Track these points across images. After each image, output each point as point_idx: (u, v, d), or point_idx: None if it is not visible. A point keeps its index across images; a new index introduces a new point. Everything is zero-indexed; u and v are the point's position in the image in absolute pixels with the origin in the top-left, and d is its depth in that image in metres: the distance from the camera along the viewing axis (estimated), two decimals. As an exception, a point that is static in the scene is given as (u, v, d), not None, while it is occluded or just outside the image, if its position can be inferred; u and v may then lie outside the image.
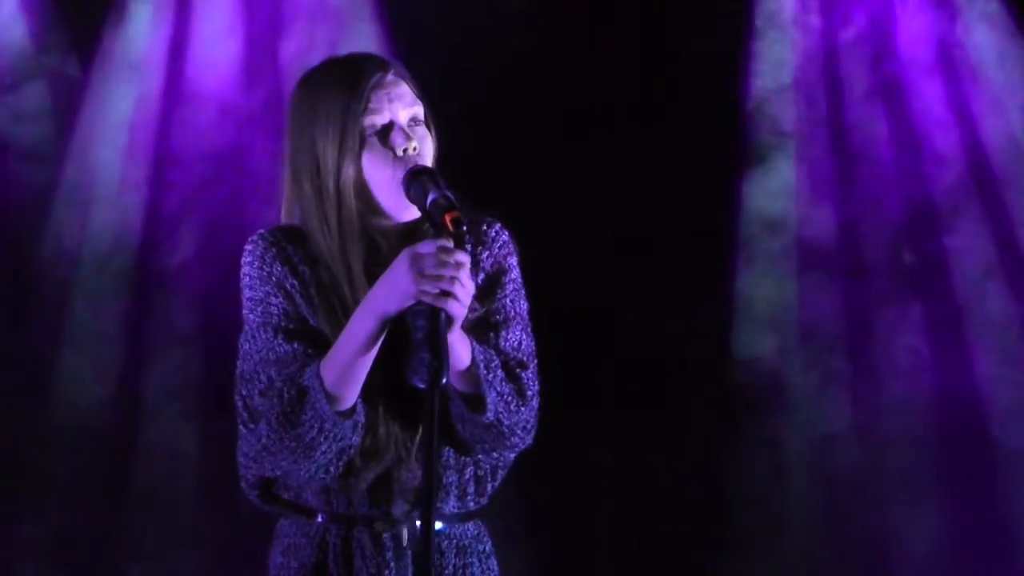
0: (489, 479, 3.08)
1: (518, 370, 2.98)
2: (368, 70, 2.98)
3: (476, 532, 3.10)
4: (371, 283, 2.90)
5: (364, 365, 2.87)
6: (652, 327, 5.52)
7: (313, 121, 2.97)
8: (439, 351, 2.68)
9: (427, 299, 2.75)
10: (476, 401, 2.93)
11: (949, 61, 5.64)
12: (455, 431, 2.97)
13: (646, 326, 5.52)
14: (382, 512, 2.99)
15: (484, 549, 3.11)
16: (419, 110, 3.00)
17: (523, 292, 3.08)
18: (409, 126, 2.97)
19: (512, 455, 3.05)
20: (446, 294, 2.75)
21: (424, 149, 2.97)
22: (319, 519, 3.02)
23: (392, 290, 2.81)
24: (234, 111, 5.57)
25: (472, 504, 3.07)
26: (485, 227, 3.07)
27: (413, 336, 2.73)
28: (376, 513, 3.00)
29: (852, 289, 5.64)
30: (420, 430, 2.94)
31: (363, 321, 2.85)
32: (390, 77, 2.99)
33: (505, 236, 3.09)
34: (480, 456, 3.02)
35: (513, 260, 3.08)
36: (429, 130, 3.01)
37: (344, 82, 2.97)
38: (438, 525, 3.02)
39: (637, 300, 5.52)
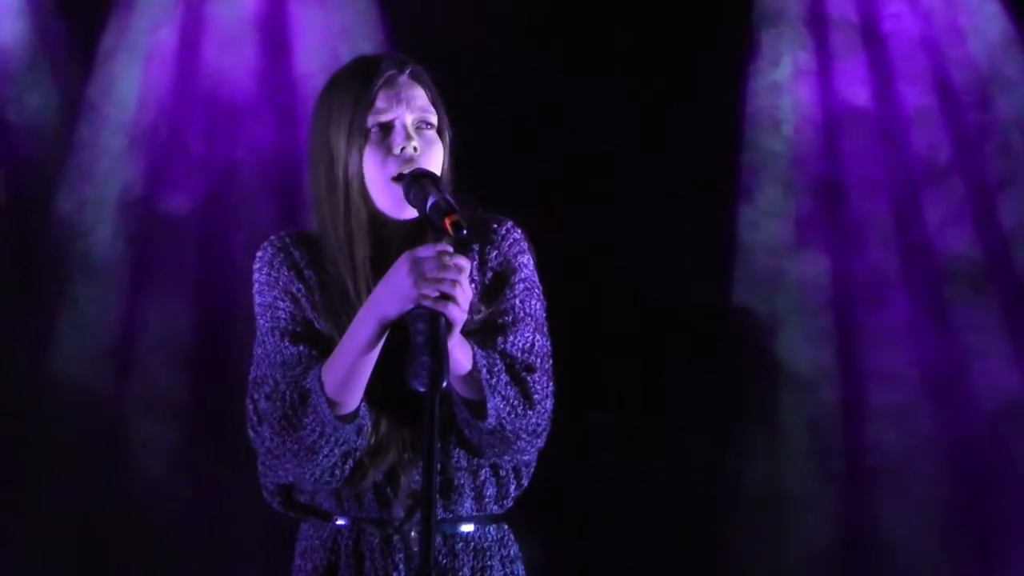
0: (512, 481, 3.07)
1: (524, 373, 2.95)
2: (382, 67, 3.00)
3: (499, 535, 3.09)
4: (376, 276, 2.91)
5: (365, 368, 2.87)
6: (653, 329, 5.53)
7: (329, 114, 3.00)
8: (439, 355, 2.66)
9: (427, 303, 2.74)
10: (479, 406, 2.92)
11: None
12: (463, 435, 2.97)
13: (647, 328, 5.53)
14: (390, 515, 3.00)
15: (508, 553, 3.10)
16: (430, 115, 3.00)
17: (536, 292, 3.06)
18: (416, 128, 2.98)
19: (528, 457, 3.03)
20: (446, 298, 2.74)
21: (429, 154, 2.96)
22: (332, 522, 3.04)
23: (392, 293, 2.80)
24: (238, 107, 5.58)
25: (495, 507, 3.07)
26: (495, 225, 3.07)
27: (413, 339, 2.72)
28: (385, 516, 3.00)
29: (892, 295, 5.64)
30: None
31: (364, 324, 2.85)
32: (404, 78, 3.01)
33: (517, 234, 3.07)
34: (493, 459, 3.01)
35: (524, 259, 3.06)
36: (442, 137, 3.01)
37: (358, 78, 3.00)
38: (465, 527, 3.03)
39: (639, 299, 5.53)
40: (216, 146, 5.57)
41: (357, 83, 2.99)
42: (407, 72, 3.01)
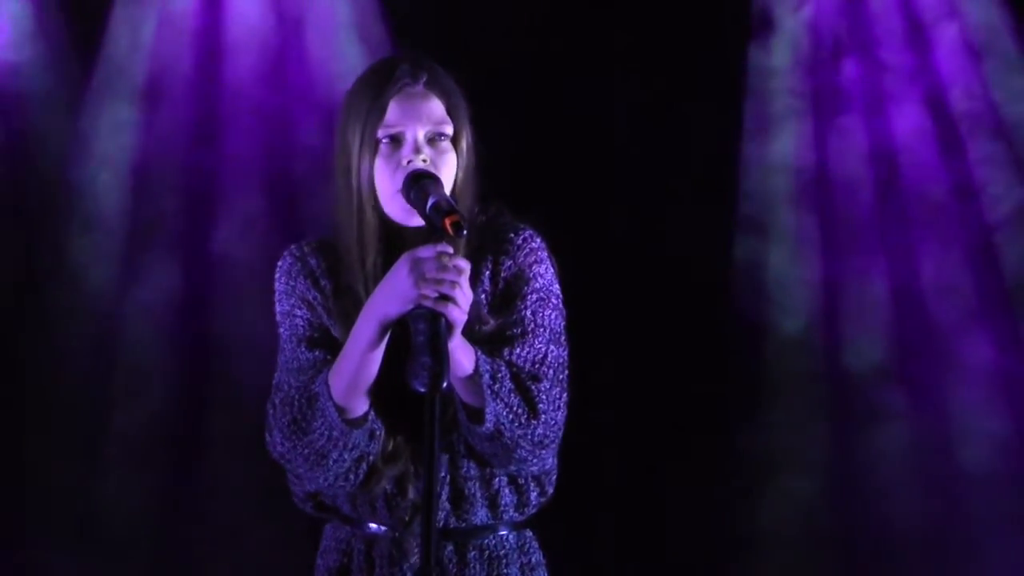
0: (532, 489, 3.06)
1: (529, 383, 2.93)
2: (396, 77, 2.97)
3: (520, 543, 3.08)
4: None
5: (369, 370, 2.88)
6: (654, 330, 5.54)
7: (347, 121, 2.99)
8: (439, 355, 2.68)
9: (427, 303, 2.75)
10: (477, 412, 2.91)
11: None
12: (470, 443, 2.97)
13: (648, 328, 5.54)
14: (400, 520, 3.01)
15: (530, 560, 3.09)
16: (445, 127, 2.97)
17: (553, 302, 3.03)
18: (429, 141, 2.96)
19: (535, 468, 3.01)
20: (446, 298, 2.74)
21: (440, 165, 2.94)
22: (349, 526, 3.06)
23: (392, 294, 2.81)
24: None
25: (515, 514, 3.06)
26: (512, 235, 3.04)
27: (414, 340, 2.73)
28: (395, 522, 3.02)
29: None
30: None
31: (365, 325, 2.86)
32: (419, 88, 2.97)
33: (534, 244, 3.04)
34: (499, 469, 3.00)
35: (540, 268, 3.03)
36: (457, 147, 2.98)
37: (372, 87, 2.98)
38: (478, 536, 3.03)
39: (640, 299, 5.53)
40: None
41: (371, 93, 2.97)
42: (422, 81, 2.98)
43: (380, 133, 2.95)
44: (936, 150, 5.56)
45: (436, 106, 2.98)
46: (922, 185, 5.57)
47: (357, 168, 2.96)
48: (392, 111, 2.95)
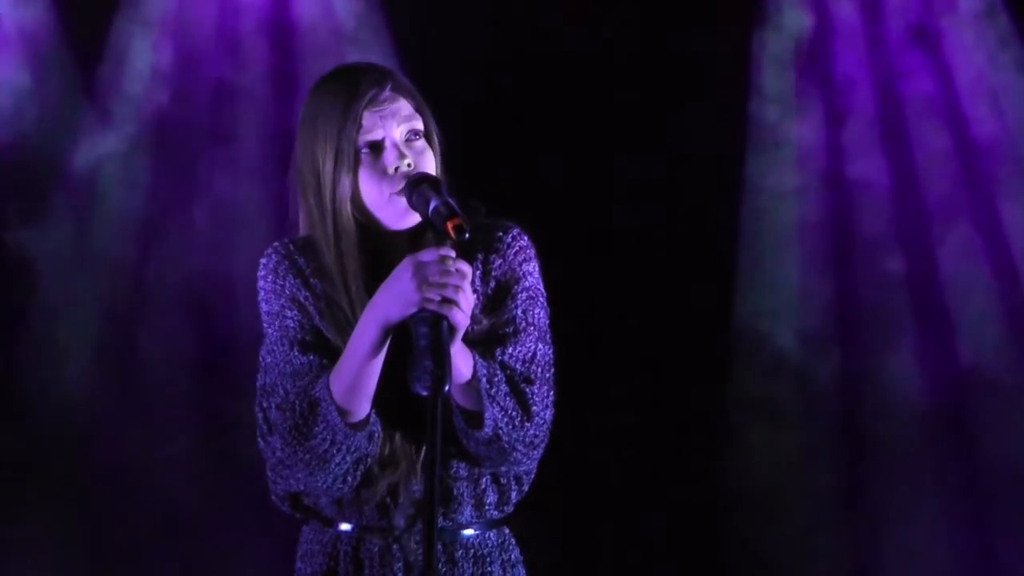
0: (513, 487, 3.07)
1: (523, 385, 2.95)
2: (363, 87, 2.97)
3: (500, 540, 3.09)
4: (373, 293, 2.90)
5: (371, 374, 2.88)
6: (654, 330, 5.54)
7: (314, 137, 2.98)
8: (441, 358, 2.68)
9: (431, 306, 2.75)
10: (476, 416, 2.92)
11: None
12: (462, 445, 2.97)
13: (648, 329, 5.54)
14: (390, 523, 3.01)
15: (509, 558, 3.10)
16: (417, 123, 2.99)
17: (540, 300, 3.05)
18: (407, 140, 2.97)
19: (525, 469, 3.03)
20: (449, 302, 2.75)
21: (421, 162, 2.96)
22: (333, 528, 3.04)
23: (395, 297, 2.81)
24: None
25: (495, 513, 3.07)
26: (501, 234, 3.06)
27: (416, 343, 2.73)
28: (385, 524, 3.01)
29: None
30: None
31: (366, 329, 2.85)
32: (386, 93, 2.98)
33: (522, 242, 3.06)
34: (489, 470, 3.01)
35: (529, 267, 3.05)
36: (431, 141, 3.01)
37: (340, 100, 2.97)
38: (464, 534, 3.03)
39: (640, 299, 5.53)
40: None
41: (339, 106, 2.96)
42: (388, 87, 3.00)
43: (360, 142, 2.95)
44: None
45: (406, 105, 3.00)
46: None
47: (331, 183, 2.95)
48: (367, 118, 2.96)
